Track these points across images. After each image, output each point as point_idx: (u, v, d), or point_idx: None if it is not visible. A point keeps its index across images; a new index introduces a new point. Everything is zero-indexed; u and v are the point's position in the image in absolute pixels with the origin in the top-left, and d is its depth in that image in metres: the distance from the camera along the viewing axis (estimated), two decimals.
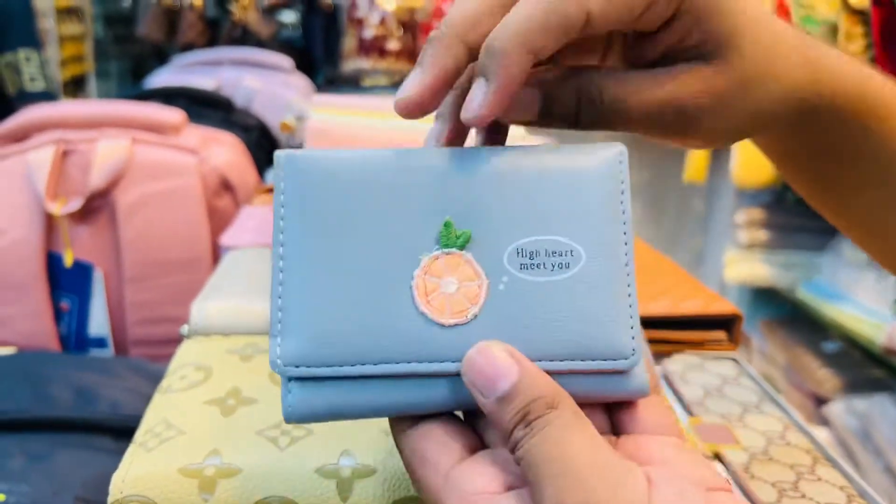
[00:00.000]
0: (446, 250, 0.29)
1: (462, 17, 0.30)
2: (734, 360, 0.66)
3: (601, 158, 0.31)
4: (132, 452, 0.35)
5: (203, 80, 1.36)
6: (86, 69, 2.68)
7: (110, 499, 0.33)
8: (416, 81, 0.29)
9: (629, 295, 0.30)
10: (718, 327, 0.68)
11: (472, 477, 0.27)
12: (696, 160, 1.96)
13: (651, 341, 0.63)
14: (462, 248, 0.29)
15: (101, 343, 0.93)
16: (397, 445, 0.30)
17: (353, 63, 1.79)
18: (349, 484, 0.34)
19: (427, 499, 0.28)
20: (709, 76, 0.32)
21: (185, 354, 0.43)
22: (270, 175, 0.92)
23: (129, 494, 0.33)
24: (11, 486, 0.61)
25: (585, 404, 0.28)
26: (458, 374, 0.28)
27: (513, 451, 0.26)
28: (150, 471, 0.34)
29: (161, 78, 1.43)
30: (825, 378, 1.61)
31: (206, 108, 1.21)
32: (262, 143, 1.21)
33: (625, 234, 0.30)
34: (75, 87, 2.61)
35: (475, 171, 0.30)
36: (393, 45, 1.78)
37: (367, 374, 0.28)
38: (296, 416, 0.28)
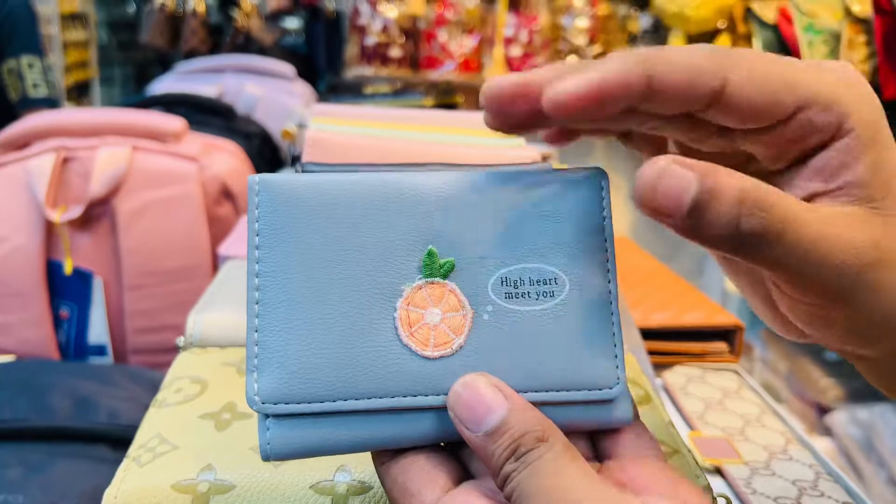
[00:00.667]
0: (430, 280, 0.29)
1: (658, 52, 0.27)
2: (736, 371, 0.65)
3: (583, 185, 0.30)
4: (125, 468, 0.35)
5: (205, 88, 1.36)
6: (90, 75, 2.69)
7: None
8: (572, 83, 0.26)
9: (613, 323, 0.30)
10: (720, 338, 0.68)
11: None
12: None
13: (651, 353, 0.63)
14: (445, 277, 0.29)
15: (100, 351, 0.93)
16: (379, 477, 0.29)
17: (355, 70, 1.79)
18: (344, 500, 0.33)
19: None
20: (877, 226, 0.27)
21: (180, 367, 0.43)
22: None
23: None
24: (7, 496, 0.61)
25: (569, 432, 0.28)
26: (443, 408, 0.28)
27: (502, 486, 0.26)
28: (142, 486, 0.33)
29: (163, 85, 1.43)
30: (828, 387, 1.60)
31: (208, 115, 1.21)
32: (264, 151, 1.20)
33: (607, 260, 0.30)
34: (79, 92, 2.62)
35: (458, 197, 0.29)
36: (395, 52, 1.78)
37: (349, 409, 0.28)
38: (274, 454, 0.28)
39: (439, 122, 0.59)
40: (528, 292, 0.29)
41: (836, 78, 0.27)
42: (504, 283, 0.29)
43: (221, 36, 2.13)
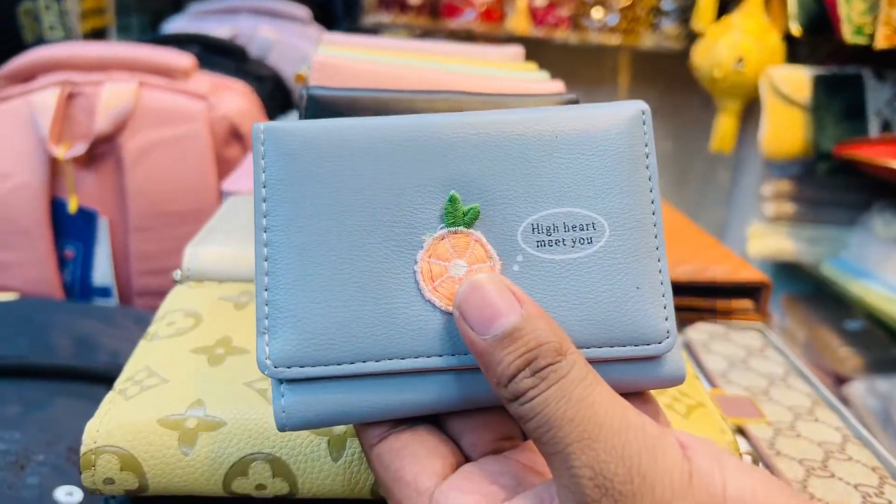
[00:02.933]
0: (452, 229, 0.26)
1: None
2: (760, 330, 0.62)
3: (621, 119, 0.27)
4: (110, 400, 0.33)
5: (218, 28, 1.32)
6: (106, 22, 2.64)
7: (83, 449, 0.30)
8: None
9: (660, 271, 0.27)
10: (745, 295, 0.65)
11: (459, 497, 0.24)
12: (725, 129, 1.90)
13: (676, 309, 0.60)
14: (470, 225, 0.26)
15: (105, 292, 0.91)
16: (368, 461, 0.27)
17: (373, 17, 1.74)
18: (342, 442, 0.31)
19: None
20: None
21: (175, 300, 0.40)
22: None
23: (104, 445, 0.30)
24: (3, 433, 0.59)
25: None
26: (470, 369, 0.25)
27: (513, 400, 0.23)
28: (127, 420, 0.31)
29: (175, 24, 1.39)
30: (846, 356, 1.57)
31: (220, 56, 1.18)
32: (276, 95, 1.17)
33: (652, 202, 0.27)
34: (95, 39, 2.58)
35: (481, 137, 0.27)
36: None
37: (369, 371, 0.25)
38: (291, 423, 0.25)
39: (458, 54, 0.56)
40: (563, 239, 0.26)
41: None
42: (535, 230, 0.26)
43: None
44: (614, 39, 1.75)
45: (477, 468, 0.25)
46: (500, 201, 0.26)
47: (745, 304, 0.64)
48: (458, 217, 0.26)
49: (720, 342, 0.59)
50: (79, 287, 0.91)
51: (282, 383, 0.25)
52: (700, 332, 0.60)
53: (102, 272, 0.90)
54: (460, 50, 0.58)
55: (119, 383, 0.34)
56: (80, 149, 0.85)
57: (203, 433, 0.31)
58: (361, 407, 0.25)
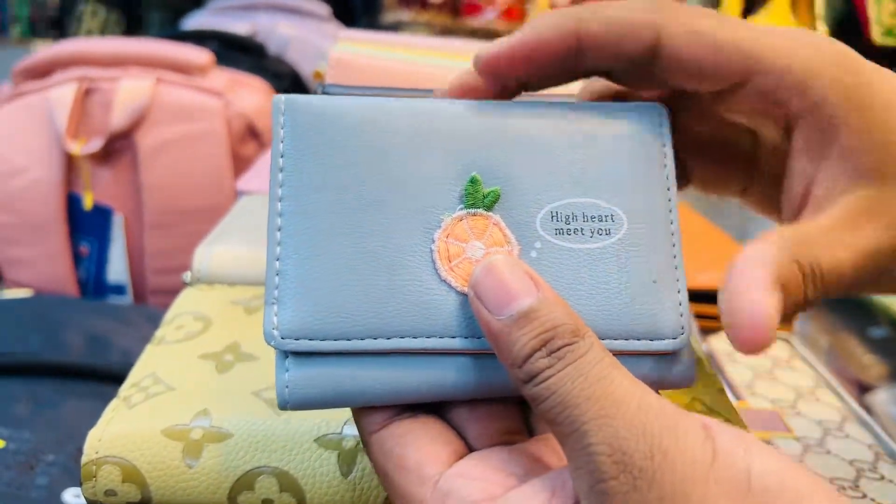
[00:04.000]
0: (472, 210, 0.26)
1: (589, 7, 0.27)
2: (787, 340, 0.61)
3: (641, 118, 0.28)
4: (113, 408, 0.31)
5: (237, 25, 1.31)
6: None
7: (84, 459, 0.29)
8: (504, 41, 0.27)
9: (676, 268, 0.27)
10: None
11: (465, 484, 0.23)
12: None
13: (696, 316, 0.58)
14: (489, 208, 0.26)
15: (119, 290, 0.90)
16: (366, 447, 0.25)
17: (393, 14, 1.73)
18: (352, 456, 0.30)
19: None
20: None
21: (183, 303, 0.39)
22: None
23: (106, 455, 0.29)
24: (13, 432, 0.59)
25: None
26: (484, 353, 0.24)
27: (527, 381, 0.22)
28: (130, 430, 0.30)
29: (195, 21, 1.39)
30: (870, 364, 1.54)
31: (238, 52, 1.17)
32: (294, 92, 1.16)
33: (669, 200, 0.27)
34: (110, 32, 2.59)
35: (503, 125, 0.27)
36: None
37: (379, 349, 0.24)
38: (293, 400, 0.24)
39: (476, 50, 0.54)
40: (582, 229, 0.26)
41: (790, 43, 0.26)
42: (554, 217, 0.26)
43: None
44: None
45: (483, 456, 0.24)
46: (520, 187, 0.26)
47: None
48: (477, 199, 0.26)
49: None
50: (93, 284, 0.90)
51: (287, 357, 0.24)
52: (724, 341, 0.58)
53: (117, 269, 0.90)
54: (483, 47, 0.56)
55: (124, 390, 0.32)
56: (96, 145, 0.84)
57: (209, 444, 0.29)
58: (369, 387, 0.24)
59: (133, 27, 2.08)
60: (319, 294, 0.24)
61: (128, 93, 0.84)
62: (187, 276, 0.42)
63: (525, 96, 0.30)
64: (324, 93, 0.38)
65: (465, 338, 0.25)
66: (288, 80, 1.15)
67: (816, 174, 0.26)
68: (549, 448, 0.25)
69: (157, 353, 0.35)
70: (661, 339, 0.26)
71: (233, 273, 0.42)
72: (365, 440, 0.25)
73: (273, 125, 0.26)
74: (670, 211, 0.27)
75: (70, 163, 0.85)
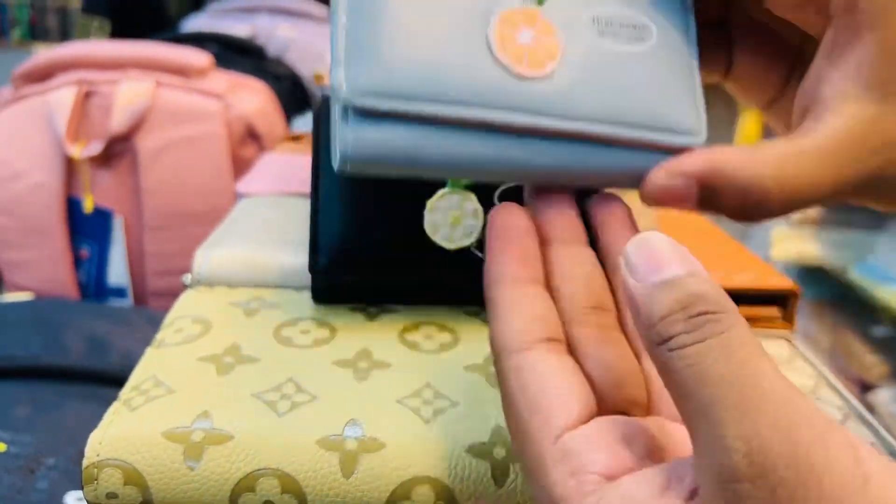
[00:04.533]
0: (524, 4, 0.27)
1: None
2: (787, 339, 0.60)
3: None
4: (114, 411, 0.31)
5: (237, 27, 1.31)
6: None
7: (85, 462, 0.29)
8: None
9: (695, 77, 0.29)
10: (771, 303, 0.63)
11: (587, 451, 0.22)
12: (749, 130, 1.87)
13: None
14: (541, 3, 0.28)
15: (120, 293, 0.90)
16: (502, 371, 0.25)
17: None
18: (354, 458, 0.29)
19: (520, 446, 0.23)
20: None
21: (183, 305, 0.39)
22: (299, 124, 0.87)
23: (107, 458, 0.29)
24: (14, 435, 0.59)
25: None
26: (537, 132, 0.26)
27: (661, 343, 0.20)
28: (131, 432, 0.30)
29: (194, 23, 1.39)
30: (873, 364, 1.54)
31: (238, 54, 1.17)
32: (294, 94, 1.16)
33: (689, 17, 0.30)
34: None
35: None
36: None
37: (442, 114, 0.25)
38: (355, 155, 0.25)
39: None
40: (620, 33, 0.28)
41: None
42: (596, 21, 0.28)
43: None
44: None
45: (611, 425, 0.23)
46: None
47: (772, 312, 0.62)
48: None
49: None
50: (94, 287, 0.90)
51: (350, 114, 0.25)
52: None
53: (117, 272, 0.90)
54: None
55: (125, 393, 0.32)
56: (96, 148, 0.84)
57: (210, 447, 0.29)
58: (427, 151, 0.26)
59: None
60: (389, 54, 0.25)
61: (127, 96, 0.84)
62: (187, 278, 0.42)
63: None
64: (324, 97, 0.38)
65: (519, 112, 0.26)
66: (288, 83, 1.15)
67: (829, 75, 0.27)
68: (670, 430, 0.24)
69: (158, 356, 0.35)
70: (682, 134, 0.28)
71: (233, 275, 0.41)
72: (503, 366, 0.24)
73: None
74: (689, 27, 0.30)
75: (70, 166, 0.85)
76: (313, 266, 0.37)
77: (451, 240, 0.31)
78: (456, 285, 0.38)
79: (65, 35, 2.36)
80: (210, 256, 0.42)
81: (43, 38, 2.04)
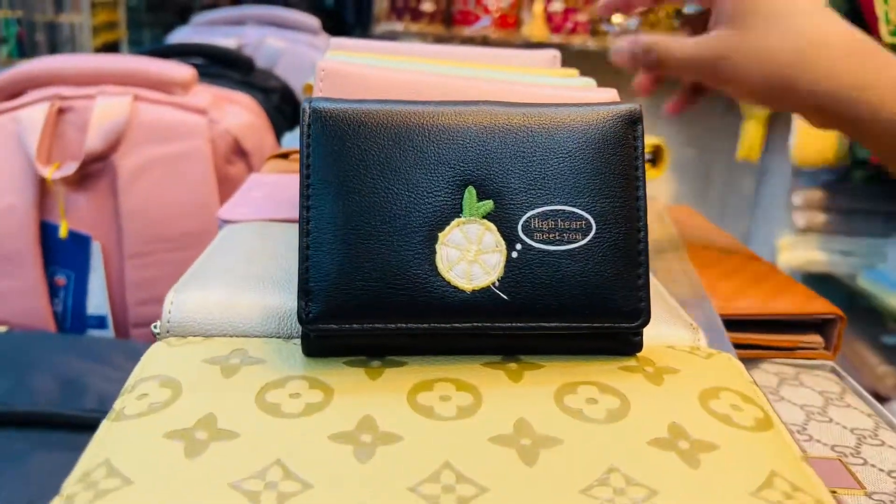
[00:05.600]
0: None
1: None
2: (834, 370, 0.55)
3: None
4: None
5: (224, 39, 1.26)
6: (118, 36, 2.60)
7: None
8: None
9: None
10: (812, 330, 0.57)
11: None
12: (752, 137, 1.82)
13: (736, 346, 0.52)
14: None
15: (100, 323, 0.84)
16: None
17: (385, 25, 1.67)
18: None
19: None
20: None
21: (150, 363, 0.33)
22: (288, 139, 0.81)
23: None
24: None
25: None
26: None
27: None
28: None
29: (180, 35, 1.33)
30: (885, 374, 1.48)
31: (225, 67, 1.11)
32: (284, 107, 1.10)
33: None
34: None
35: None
36: (427, 6, 1.66)
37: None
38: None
39: (486, 59, 0.48)
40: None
41: None
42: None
43: None
44: None
45: None
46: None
47: (814, 339, 0.56)
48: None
49: (792, 387, 0.51)
50: (71, 317, 0.84)
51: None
52: (768, 374, 0.52)
53: (97, 301, 0.83)
54: (487, 54, 0.50)
55: (67, 486, 0.26)
56: (70, 168, 0.78)
57: None
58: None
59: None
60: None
61: (104, 112, 0.78)
62: (157, 326, 0.36)
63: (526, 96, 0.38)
64: (312, 109, 0.33)
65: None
66: (278, 95, 1.09)
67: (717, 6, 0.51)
68: None
69: (115, 432, 0.29)
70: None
71: (210, 323, 0.35)
72: None
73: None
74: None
75: (43, 188, 0.79)
76: (304, 316, 0.31)
77: (468, 278, 0.31)
78: (475, 333, 0.32)
79: (54, 51, 2.30)
80: (183, 301, 0.36)
81: (32, 55, 1.99)
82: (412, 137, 0.31)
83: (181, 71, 0.82)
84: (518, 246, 0.31)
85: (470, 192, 0.31)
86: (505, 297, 0.31)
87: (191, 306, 0.36)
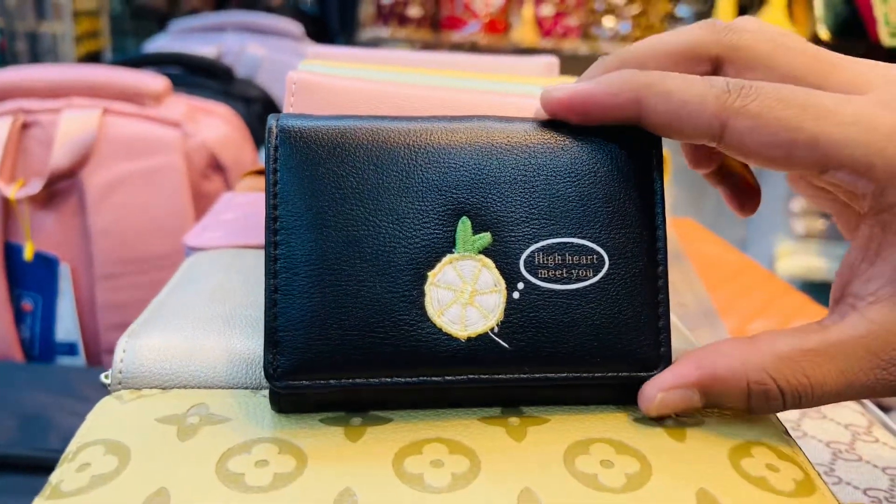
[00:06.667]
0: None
1: (633, 49, 0.30)
2: (859, 401, 0.51)
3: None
4: None
5: (203, 47, 1.21)
6: (101, 45, 2.56)
7: None
8: (565, 89, 0.28)
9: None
10: None
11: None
12: None
13: None
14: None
15: (70, 350, 0.79)
16: None
17: (370, 31, 1.63)
18: None
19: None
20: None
21: (95, 423, 0.29)
22: None
23: None
24: None
25: None
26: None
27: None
28: None
29: (157, 44, 1.29)
30: None
31: (203, 76, 1.07)
32: (265, 118, 1.06)
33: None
34: (90, 62, 2.49)
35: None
36: (414, 11, 1.62)
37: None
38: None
39: (476, 67, 0.44)
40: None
41: (880, 140, 0.25)
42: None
43: None
44: None
45: None
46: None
47: None
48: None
49: (815, 421, 0.47)
50: (39, 344, 0.79)
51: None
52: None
53: (66, 326, 0.79)
54: (478, 62, 0.46)
55: None
56: (35, 186, 0.73)
57: None
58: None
59: None
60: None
61: (70, 126, 0.73)
62: (106, 376, 0.31)
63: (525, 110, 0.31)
64: (279, 128, 0.29)
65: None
66: (259, 105, 1.05)
67: (863, 271, 0.27)
68: None
69: None
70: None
71: (167, 373, 0.31)
72: None
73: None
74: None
75: (6, 208, 0.74)
76: (271, 371, 0.26)
77: (463, 323, 0.27)
78: (470, 387, 0.28)
79: (36, 61, 2.25)
80: (137, 347, 0.32)
81: (13, 64, 1.95)
82: (397, 160, 0.27)
83: (154, 81, 0.78)
84: (520, 285, 0.27)
85: (464, 224, 0.27)
86: (505, 344, 0.27)
87: (146, 353, 0.31)
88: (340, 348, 0.26)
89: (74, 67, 0.79)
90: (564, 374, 0.27)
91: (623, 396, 0.29)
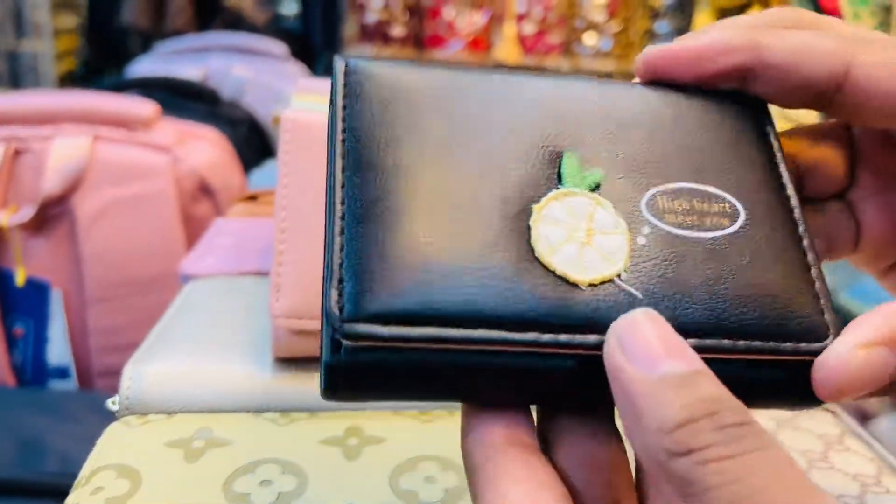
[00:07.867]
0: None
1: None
2: (831, 410, 0.53)
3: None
4: None
5: (188, 70, 1.23)
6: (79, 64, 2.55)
7: None
8: (673, 44, 0.25)
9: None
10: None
11: None
12: None
13: None
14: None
15: (62, 373, 0.80)
16: (467, 452, 0.20)
17: (355, 50, 1.65)
18: None
19: None
20: None
21: (107, 448, 0.30)
22: (257, 177, 0.79)
23: None
24: None
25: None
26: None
27: (679, 455, 0.17)
28: None
29: (141, 67, 1.30)
30: None
31: (189, 100, 1.09)
32: (252, 140, 1.08)
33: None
34: (71, 82, 2.49)
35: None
36: (398, 30, 1.64)
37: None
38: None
39: None
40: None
41: None
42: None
43: (210, 16, 1.98)
44: (608, 65, 1.67)
45: None
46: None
47: None
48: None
49: (789, 431, 0.49)
50: (31, 369, 0.80)
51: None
52: (763, 417, 0.50)
53: (58, 351, 0.79)
54: None
55: None
56: (27, 213, 0.74)
57: None
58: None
59: None
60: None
61: (62, 153, 0.75)
62: (114, 402, 0.33)
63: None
64: (348, 67, 0.25)
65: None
66: (245, 128, 1.07)
67: None
68: None
69: None
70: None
71: (172, 399, 0.32)
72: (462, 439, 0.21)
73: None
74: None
75: None
76: (336, 313, 0.19)
77: (581, 265, 0.21)
78: (584, 360, 0.21)
79: (15, 80, 2.25)
80: (142, 374, 0.33)
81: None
82: (489, 103, 0.23)
83: (143, 107, 0.79)
84: (645, 229, 0.22)
85: (569, 158, 0.23)
86: (639, 294, 0.21)
87: (151, 380, 0.33)
88: (429, 293, 0.20)
89: (65, 94, 0.81)
90: (725, 344, 0.21)
91: (788, 385, 0.22)
